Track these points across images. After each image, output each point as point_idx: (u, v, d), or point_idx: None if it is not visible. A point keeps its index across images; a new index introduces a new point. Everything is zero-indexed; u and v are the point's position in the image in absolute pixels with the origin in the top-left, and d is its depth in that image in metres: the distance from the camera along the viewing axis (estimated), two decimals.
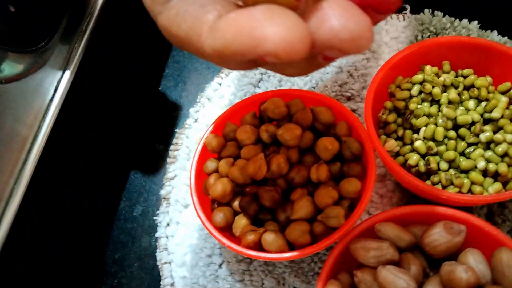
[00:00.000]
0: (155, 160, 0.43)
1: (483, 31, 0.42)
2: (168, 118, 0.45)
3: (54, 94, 0.37)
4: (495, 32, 0.42)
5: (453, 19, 0.43)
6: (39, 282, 0.39)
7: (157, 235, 0.39)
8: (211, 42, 0.17)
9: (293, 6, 0.17)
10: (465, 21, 0.42)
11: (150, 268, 0.39)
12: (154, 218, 0.40)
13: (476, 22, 0.42)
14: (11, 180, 0.34)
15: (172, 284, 0.37)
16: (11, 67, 0.34)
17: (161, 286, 0.37)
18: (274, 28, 0.15)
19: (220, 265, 0.37)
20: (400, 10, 0.45)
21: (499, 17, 0.43)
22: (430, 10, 0.44)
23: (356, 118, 0.34)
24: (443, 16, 0.43)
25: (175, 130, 0.44)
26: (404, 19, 0.44)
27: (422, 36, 0.42)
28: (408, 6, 0.44)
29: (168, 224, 0.39)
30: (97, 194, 0.42)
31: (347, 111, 0.35)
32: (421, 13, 0.44)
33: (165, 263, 0.38)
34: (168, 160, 0.42)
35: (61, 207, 0.41)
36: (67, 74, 0.38)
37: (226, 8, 0.18)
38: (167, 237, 0.39)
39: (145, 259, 0.39)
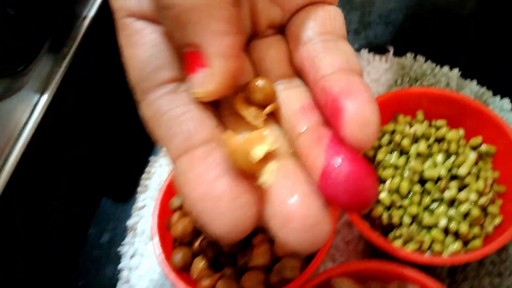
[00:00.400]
0: (128, 187, 0.43)
1: (463, 79, 0.42)
2: (146, 145, 0.45)
3: (28, 120, 0.37)
4: (475, 82, 0.42)
5: (434, 65, 0.42)
6: None
7: (120, 266, 0.39)
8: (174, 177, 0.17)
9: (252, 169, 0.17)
10: (446, 68, 0.42)
11: None
12: (119, 248, 0.40)
13: (457, 70, 0.42)
14: None
15: None
16: None
17: None
18: (217, 223, 0.16)
19: None
20: (382, 52, 0.45)
21: (480, 66, 0.42)
22: (413, 54, 0.44)
23: None
24: (425, 61, 0.43)
25: (150, 157, 0.44)
26: (386, 61, 0.44)
27: (402, 81, 0.42)
28: (391, 48, 0.44)
29: (132, 256, 0.39)
30: (68, 220, 0.42)
31: None
32: (403, 57, 0.44)
33: None
34: (139, 189, 0.42)
35: (31, 229, 0.41)
36: (44, 99, 0.38)
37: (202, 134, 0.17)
38: (130, 269, 0.39)
39: None
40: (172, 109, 0.18)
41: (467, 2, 0.47)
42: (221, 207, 0.16)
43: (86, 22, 0.40)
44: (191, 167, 0.17)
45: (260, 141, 0.18)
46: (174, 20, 0.17)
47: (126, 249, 0.40)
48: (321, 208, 0.16)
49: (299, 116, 0.18)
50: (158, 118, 0.18)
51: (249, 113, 0.19)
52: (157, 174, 0.42)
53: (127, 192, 0.43)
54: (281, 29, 0.21)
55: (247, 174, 0.17)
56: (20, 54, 0.36)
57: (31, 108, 0.37)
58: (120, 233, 0.41)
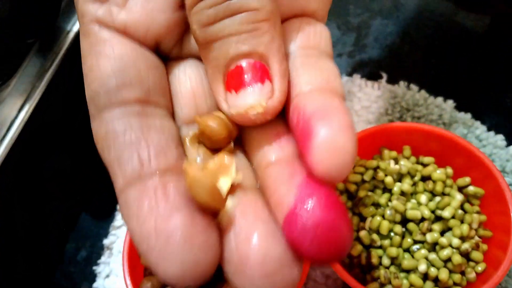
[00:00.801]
0: (107, 204, 0.42)
1: (457, 111, 0.40)
2: None
3: (6, 133, 0.37)
4: (469, 115, 0.40)
5: (427, 95, 0.41)
6: None
7: (94, 285, 0.38)
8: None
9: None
10: (439, 99, 0.41)
11: None
12: (94, 267, 0.39)
13: (451, 101, 0.41)
14: None
15: None
16: None
17: None
18: (166, 265, 0.14)
19: None
20: (375, 78, 0.43)
21: (476, 99, 0.41)
22: (407, 82, 0.42)
23: None
24: (419, 90, 0.42)
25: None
26: (379, 88, 0.43)
27: (393, 110, 0.41)
28: (385, 75, 0.43)
29: (107, 276, 0.39)
30: (46, 233, 0.42)
31: None
32: (396, 85, 0.42)
33: None
34: (118, 206, 0.41)
35: (6, 244, 0.41)
36: (23, 113, 0.37)
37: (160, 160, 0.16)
38: None
39: None
40: (128, 133, 0.16)
41: (469, 32, 0.45)
42: (173, 246, 0.14)
43: (70, 36, 0.39)
44: (140, 198, 0.15)
45: (224, 171, 0.16)
46: (241, 24, 0.16)
47: (101, 268, 0.39)
48: (286, 250, 0.14)
49: (272, 143, 0.17)
50: (111, 140, 0.16)
51: (194, 153, 0.17)
52: None
53: (106, 209, 0.42)
54: None
55: (208, 209, 0.15)
56: None
57: (9, 122, 0.37)
58: (96, 251, 0.41)
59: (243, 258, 0.14)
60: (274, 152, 0.16)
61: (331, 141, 0.14)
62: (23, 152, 0.38)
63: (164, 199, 0.15)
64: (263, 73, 0.16)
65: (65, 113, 0.41)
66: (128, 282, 0.32)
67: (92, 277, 0.39)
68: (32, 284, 0.40)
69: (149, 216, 0.14)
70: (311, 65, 0.17)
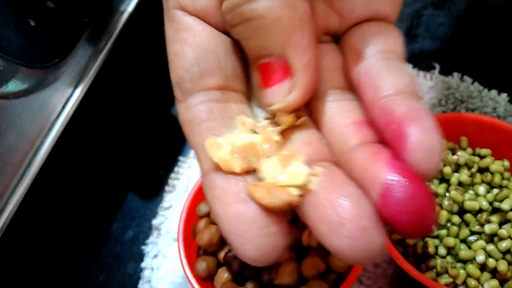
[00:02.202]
0: (154, 185, 0.43)
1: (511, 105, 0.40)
2: (175, 143, 0.44)
3: (61, 112, 0.37)
4: None
5: (481, 88, 0.41)
6: None
7: (142, 265, 0.39)
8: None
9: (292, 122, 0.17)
10: (493, 92, 0.40)
11: None
12: (143, 247, 0.40)
13: (505, 95, 0.40)
14: (5, 194, 0.34)
15: None
16: (20, 83, 0.34)
17: None
18: (245, 248, 0.16)
19: None
20: (427, 69, 0.43)
21: None
22: (460, 74, 0.42)
23: None
24: (472, 82, 0.41)
25: (179, 157, 0.43)
26: (431, 79, 0.42)
27: (446, 102, 0.40)
28: (437, 66, 0.43)
29: (155, 256, 0.39)
30: (93, 212, 0.42)
31: None
32: (450, 76, 0.42)
33: None
34: (166, 188, 0.42)
35: (56, 222, 0.41)
36: (78, 92, 0.38)
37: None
38: (152, 269, 0.38)
39: (127, 286, 0.39)
40: (211, 120, 0.17)
41: None
42: (252, 232, 0.15)
43: (124, 16, 0.40)
44: (225, 184, 0.16)
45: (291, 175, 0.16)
46: (254, 31, 0.16)
47: (149, 248, 0.39)
48: (373, 214, 0.15)
49: (353, 130, 0.18)
50: (195, 125, 0.18)
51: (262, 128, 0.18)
52: (185, 175, 0.42)
53: (153, 190, 0.42)
54: (335, 38, 0.20)
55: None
56: (56, 47, 0.35)
57: (65, 100, 0.37)
58: (144, 231, 0.41)
59: (337, 218, 0.15)
60: (358, 138, 0.17)
61: (424, 143, 0.16)
62: (76, 130, 0.39)
63: (245, 189, 0.16)
64: (282, 72, 0.17)
65: (118, 93, 0.42)
66: (184, 261, 0.32)
67: (139, 256, 0.40)
68: (80, 262, 0.40)
69: (234, 201, 0.16)
70: (392, 69, 0.18)
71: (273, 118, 0.18)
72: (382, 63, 0.18)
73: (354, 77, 0.19)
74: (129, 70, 0.42)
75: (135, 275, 0.39)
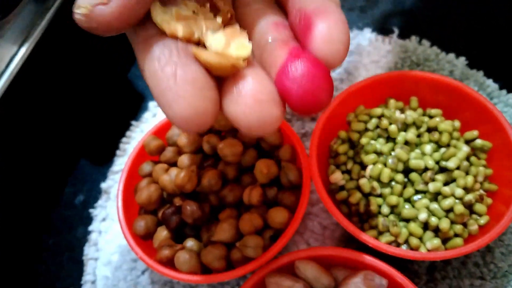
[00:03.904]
0: (106, 149, 0.42)
1: (469, 69, 0.39)
2: (129, 108, 0.43)
3: (4, 71, 0.36)
4: (481, 72, 0.39)
5: (439, 51, 0.40)
6: None
7: (90, 228, 0.38)
8: None
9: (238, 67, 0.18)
10: (451, 55, 0.39)
11: (80, 260, 0.38)
12: (91, 210, 0.39)
13: (463, 58, 0.39)
14: None
15: (93, 282, 0.36)
16: None
17: (81, 282, 0.36)
18: (178, 109, 0.16)
19: (143, 272, 0.35)
20: (386, 33, 0.42)
21: (489, 57, 0.39)
22: (418, 38, 0.41)
23: (301, 144, 0.32)
24: (431, 46, 0.40)
25: (132, 121, 0.42)
26: (389, 43, 0.41)
27: (402, 65, 0.40)
28: (396, 30, 0.42)
29: (103, 219, 0.38)
30: (44, 177, 0.41)
31: (294, 135, 0.33)
32: (408, 40, 0.41)
33: (91, 259, 0.37)
34: (117, 152, 0.41)
35: (5, 188, 0.40)
36: (22, 50, 0.37)
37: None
38: (100, 232, 0.38)
39: (76, 250, 0.38)
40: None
41: None
42: (187, 91, 0.16)
43: None
44: (164, 49, 0.17)
45: (239, 38, 0.19)
46: None
47: (97, 212, 0.39)
48: (274, 92, 0.17)
49: (271, 29, 0.19)
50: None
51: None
52: (137, 139, 0.41)
53: (105, 154, 0.42)
54: None
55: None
56: None
57: (8, 59, 0.36)
58: (94, 195, 0.40)
59: (243, 89, 0.17)
60: (274, 35, 0.19)
61: (328, 32, 0.17)
62: (21, 91, 0.38)
63: (185, 53, 0.17)
64: None
65: (68, 54, 0.40)
66: (122, 219, 0.32)
67: (89, 220, 0.39)
68: (30, 227, 0.40)
69: (170, 62, 0.17)
70: None
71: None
72: None
73: None
74: (80, 30, 0.41)
75: (84, 239, 0.38)
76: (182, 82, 0.16)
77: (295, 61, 0.17)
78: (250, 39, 0.20)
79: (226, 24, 0.20)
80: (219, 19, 0.19)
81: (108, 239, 0.37)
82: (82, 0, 0.17)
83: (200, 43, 0.19)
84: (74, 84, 0.42)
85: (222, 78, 0.18)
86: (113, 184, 0.39)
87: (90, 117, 0.43)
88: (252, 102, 0.17)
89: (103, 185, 0.39)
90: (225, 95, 0.17)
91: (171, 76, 0.16)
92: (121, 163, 0.40)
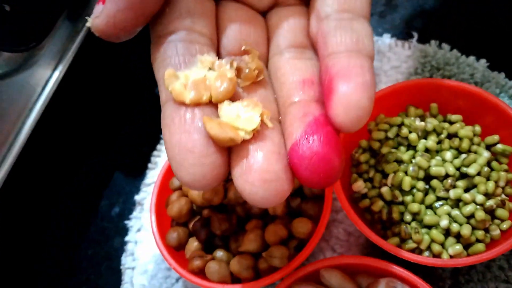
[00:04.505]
0: (139, 162, 0.44)
1: (490, 71, 0.39)
2: (159, 122, 0.45)
3: (41, 93, 0.38)
4: (503, 74, 0.39)
5: (459, 54, 0.40)
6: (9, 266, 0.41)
7: (126, 239, 0.40)
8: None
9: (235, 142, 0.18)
10: (471, 58, 0.40)
11: (118, 269, 0.40)
12: (126, 222, 0.41)
13: (484, 60, 0.39)
14: None
15: None
16: None
17: None
18: (183, 173, 0.17)
19: (177, 280, 0.37)
20: (406, 38, 0.42)
21: (510, 59, 0.39)
22: (438, 42, 0.41)
23: None
24: (451, 49, 0.40)
25: (161, 135, 0.44)
26: (409, 48, 0.42)
27: (423, 70, 0.40)
28: (415, 34, 0.42)
29: (138, 230, 0.40)
30: (81, 191, 0.44)
31: None
32: (427, 44, 0.41)
33: (128, 268, 0.39)
34: (149, 165, 0.43)
35: (41, 200, 0.43)
36: (56, 73, 0.39)
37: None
38: (135, 242, 0.40)
39: (114, 259, 0.41)
40: (174, 56, 0.19)
41: None
42: (189, 160, 0.17)
43: None
44: (175, 114, 0.18)
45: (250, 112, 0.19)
46: None
47: (132, 223, 0.41)
48: (283, 169, 0.17)
49: (297, 87, 0.19)
50: (160, 61, 0.19)
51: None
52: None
53: (138, 167, 0.44)
54: (306, 1, 0.22)
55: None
56: (32, 31, 0.37)
57: (44, 82, 0.38)
58: (129, 207, 0.42)
59: (250, 165, 0.17)
60: (298, 95, 0.19)
61: (349, 97, 0.17)
62: (58, 111, 0.40)
63: (190, 121, 0.18)
64: None
65: (98, 73, 0.43)
66: (156, 232, 0.34)
67: (125, 231, 0.41)
68: (69, 239, 0.42)
69: (177, 131, 0.18)
70: (343, 28, 0.19)
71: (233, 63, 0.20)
72: (335, 23, 0.19)
73: (313, 37, 0.20)
74: (109, 50, 0.43)
75: (120, 249, 0.41)
76: (183, 152, 0.17)
77: (307, 140, 0.17)
78: (277, 94, 0.20)
79: (253, 81, 0.20)
80: (230, 74, 0.19)
81: (144, 248, 0.39)
82: (92, 15, 0.18)
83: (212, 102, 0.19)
84: (105, 101, 0.45)
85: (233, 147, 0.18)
86: (146, 196, 0.41)
87: (121, 132, 0.45)
88: (258, 181, 0.17)
89: (137, 197, 0.42)
90: (233, 165, 0.18)
91: (175, 145, 0.17)
92: (152, 176, 0.42)
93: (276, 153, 0.18)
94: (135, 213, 0.41)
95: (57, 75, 0.39)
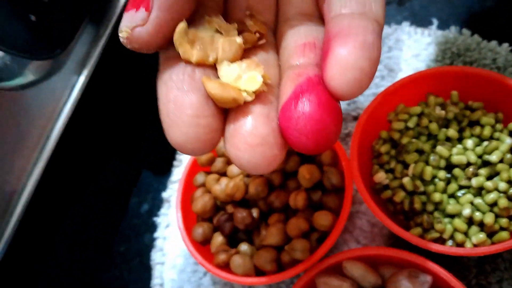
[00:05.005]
0: (165, 160, 0.45)
1: None
2: None
3: (68, 98, 0.40)
4: None
5: (480, 40, 0.39)
6: (50, 265, 0.43)
7: (155, 235, 0.42)
8: None
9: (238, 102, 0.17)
10: (493, 43, 0.39)
11: (149, 265, 0.41)
12: (155, 218, 0.42)
13: (507, 44, 0.38)
14: (24, 176, 0.38)
15: (161, 285, 0.39)
16: (27, 75, 0.37)
17: (151, 285, 0.40)
18: (174, 132, 0.17)
19: (204, 274, 0.38)
20: (425, 25, 0.42)
21: None
22: (458, 27, 0.40)
23: (342, 147, 0.33)
24: (472, 35, 0.40)
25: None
26: (429, 35, 0.41)
27: (443, 57, 0.39)
28: (435, 21, 0.41)
29: (167, 226, 0.42)
30: (112, 189, 0.45)
31: None
32: (447, 30, 0.41)
33: (158, 263, 0.40)
34: (174, 163, 0.44)
35: (73, 199, 0.45)
36: (82, 78, 0.41)
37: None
38: (164, 238, 0.41)
39: (145, 255, 0.42)
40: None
41: None
42: (183, 119, 0.16)
43: (121, 1, 0.42)
44: (176, 70, 0.17)
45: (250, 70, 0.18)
46: None
47: (161, 219, 0.42)
48: (271, 133, 0.16)
49: (298, 51, 0.18)
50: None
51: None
52: None
53: (164, 165, 0.45)
54: None
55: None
56: (57, 38, 0.38)
57: (71, 87, 0.40)
58: (157, 204, 0.44)
59: (236, 129, 0.17)
60: (297, 59, 0.18)
61: (344, 57, 0.15)
62: (85, 113, 0.42)
63: (190, 79, 0.17)
64: (141, 0, 0.17)
65: (123, 74, 0.44)
66: (182, 228, 0.35)
67: (154, 227, 0.43)
68: (102, 235, 0.44)
69: (175, 88, 0.17)
70: None
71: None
72: None
73: (320, 4, 0.19)
74: (130, 53, 0.44)
75: (151, 245, 0.42)
76: (178, 109, 0.16)
77: (295, 100, 0.16)
78: (280, 58, 0.19)
79: (254, 44, 0.19)
80: (239, 40, 0.18)
81: (172, 244, 0.40)
82: (123, 24, 0.17)
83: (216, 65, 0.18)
84: (130, 103, 0.46)
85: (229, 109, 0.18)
86: (173, 193, 0.43)
87: (148, 132, 0.47)
88: (243, 144, 0.16)
89: (164, 195, 0.43)
90: (225, 129, 0.17)
91: (171, 101, 0.17)
92: (178, 173, 0.43)
93: (265, 116, 0.17)
94: (163, 210, 0.42)
95: (82, 79, 0.40)
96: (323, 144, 0.16)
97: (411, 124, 0.34)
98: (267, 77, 0.17)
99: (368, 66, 0.15)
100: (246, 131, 0.16)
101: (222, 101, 0.17)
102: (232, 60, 0.18)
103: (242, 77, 0.17)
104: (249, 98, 0.17)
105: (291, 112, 0.16)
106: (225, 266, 0.33)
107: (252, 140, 0.16)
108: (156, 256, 0.40)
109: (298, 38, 0.19)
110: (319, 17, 0.20)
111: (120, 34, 0.17)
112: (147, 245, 0.42)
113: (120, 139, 0.46)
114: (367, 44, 0.16)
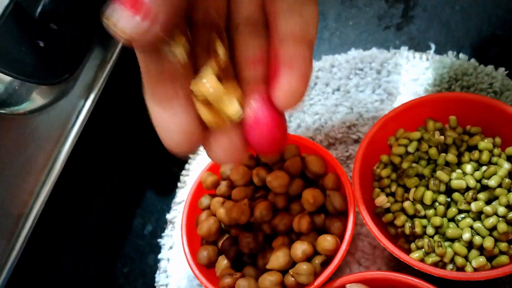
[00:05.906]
0: (169, 182, 0.46)
1: (510, 79, 0.39)
2: None
3: (75, 122, 0.41)
4: None
5: (477, 64, 0.40)
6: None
7: (159, 256, 0.42)
8: None
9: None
10: (490, 67, 0.40)
11: (153, 286, 0.42)
12: (159, 240, 0.43)
13: (503, 69, 0.40)
14: (31, 198, 0.39)
15: None
16: (35, 100, 0.38)
17: None
18: (166, 141, 0.22)
19: None
20: (423, 49, 0.43)
21: None
22: (455, 52, 0.41)
23: (344, 172, 0.34)
24: (468, 59, 0.41)
25: (189, 155, 0.46)
26: (427, 59, 0.42)
27: (441, 81, 0.40)
28: (433, 46, 0.43)
29: (171, 247, 0.42)
30: (116, 210, 0.46)
31: (336, 164, 0.35)
32: (445, 55, 0.42)
33: (162, 285, 0.40)
34: (178, 184, 0.45)
35: (78, 221, 0.45)
36: (89, 102, 0.41)
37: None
38: (168, 259, 0.42)
39: (148, 276, 0.42)
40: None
41: None
42: (172, 131, 0.21)
43: None
44: (161, 86, 0.21)
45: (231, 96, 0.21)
46: None
47: (165, 241, 0.43)
48: (240, 142, 0.22)
49: (248, 64, 0.22)
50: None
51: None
52: (194, 171, 0.44)
53: (168, 186, 0.46)
54: None
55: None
56: (65, 63, 0.39)
57: (77, 111, 0.41)
58: (161, 225, 0.44)
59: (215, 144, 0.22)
60: (249, 75, 0.22)
61: (291, 87, 0.21)
62: (91, 137, 0.42)
63: (177, 95, 0.21)
64: (137, 5, 0.17)
65: (128, 98, 0.45)
66: (187, 251, 0.35)
67: (158, 249, 0.43)
68: (105, 256, 0.44)
69: (166, 108, 0.21)
70: (294, 11, 0.21)
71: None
72: (287, 6, 0.20)
73: (266, 12, 0.22)
74: (136, 77, 0.45)
75: (155, 266, 0.42)
76: (167, 129, 0.21)
77: (256, 120, 0.21)
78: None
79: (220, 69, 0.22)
80: (208, 70, 0.21)
81: (176, 266, 0.41)
82: (121, 24, 0.17)
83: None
84: (135, 125, 0.47)
85: None
86: (177, 214, 0.43)
87: (153, 153, 0.48)
88: (220, 150, 0.22)
89: (168, 216, 0.43)
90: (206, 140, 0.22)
91: (159, 123, 0.21)
92: (182, 194, 0.44)
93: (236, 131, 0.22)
94: (167, 231, 0.43)
95: (89, 103, 0.41)
96: (276, 145, 0.22)
97: (411, 149, 0.34)
98: (242, 102, 0.21)
99: (304, 88, 0.21)
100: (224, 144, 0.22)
101: (209, 124, 0.21)
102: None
103: (224, 101, 0.21)
104: (230, 123, 0.21)
105: (252, 128, 0.22)
106: None
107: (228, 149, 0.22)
108: (160, 278, 0.41)
109: (248, 53, 0.22)
110: (263, 24, 0.22)
111: (119, 34, 0.18)
112: (151, 266, 0.43)
113: (124, 162, 0.46)
114: (306, 74, 0.21)
